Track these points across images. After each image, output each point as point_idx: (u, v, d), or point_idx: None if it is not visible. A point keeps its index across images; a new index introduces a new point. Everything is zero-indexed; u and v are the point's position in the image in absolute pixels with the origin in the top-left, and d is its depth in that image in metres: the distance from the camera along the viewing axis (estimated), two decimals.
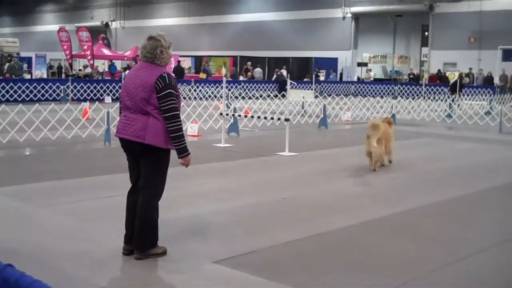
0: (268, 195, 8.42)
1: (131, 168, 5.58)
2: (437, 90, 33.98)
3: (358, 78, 43.59)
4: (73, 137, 13.66)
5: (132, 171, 5.58)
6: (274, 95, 27.31)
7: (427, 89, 34.43)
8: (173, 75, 32.95)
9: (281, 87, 30.27)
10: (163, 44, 5.39)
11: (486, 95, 30.67)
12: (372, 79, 42.93)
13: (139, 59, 5.57)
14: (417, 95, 34.08)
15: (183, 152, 5.38)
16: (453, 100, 24.68)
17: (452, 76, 35.31)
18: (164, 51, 5.39)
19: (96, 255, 5.55)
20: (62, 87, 26.23)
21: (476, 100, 27.38)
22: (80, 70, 35.73)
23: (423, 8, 41.12)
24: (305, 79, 37.49)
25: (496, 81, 33.23)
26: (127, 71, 30.43)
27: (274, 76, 35.19)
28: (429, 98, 31.80)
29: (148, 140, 5.26)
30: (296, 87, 31.88)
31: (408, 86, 36.44)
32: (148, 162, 5.38)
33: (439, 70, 39.54)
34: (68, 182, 8.98)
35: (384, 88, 37.63)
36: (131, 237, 5.49)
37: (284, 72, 37.32)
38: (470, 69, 36.57)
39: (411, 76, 41.49)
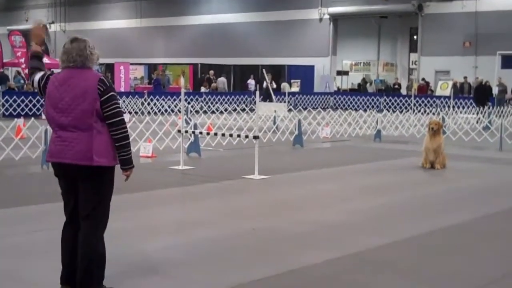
0: (235, 226, 8.41)
1: (67, 196, 5.49)
2: (428, 102, 34.36)
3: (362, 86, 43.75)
4: (4, 159, 13.48)
5: (68, 200, 5.49)
6: (241, 109, 27.32)
7: (417, 101, 34.74)
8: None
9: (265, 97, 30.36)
10: (89, 45, 5.45)
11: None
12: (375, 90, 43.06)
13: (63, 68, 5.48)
14: (406, 108, 34.37)
15: (129, 163, 5.40)
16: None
17: (446, 86, 35.73)
18: (93, 51, 5.44)
19: None
20: None
21: (473, 113, 27.70)
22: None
23: (411, 8, 41.47)
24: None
25: (495, 91, 33.69)
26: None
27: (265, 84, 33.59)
28: (419, 111, 32.14)
29: (96, 162, 5.22)
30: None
31: (395, 97, 36.72)
32: (93, 187, 5.33)
33: (423, 79, 39.90)
34: None
35: (367, 100, 37.96)
36: (70, 277, 5.42)
37: (253, 82, 37.51)
38: (465, 77, 37.09)
39: (396, 86, 41.78)
